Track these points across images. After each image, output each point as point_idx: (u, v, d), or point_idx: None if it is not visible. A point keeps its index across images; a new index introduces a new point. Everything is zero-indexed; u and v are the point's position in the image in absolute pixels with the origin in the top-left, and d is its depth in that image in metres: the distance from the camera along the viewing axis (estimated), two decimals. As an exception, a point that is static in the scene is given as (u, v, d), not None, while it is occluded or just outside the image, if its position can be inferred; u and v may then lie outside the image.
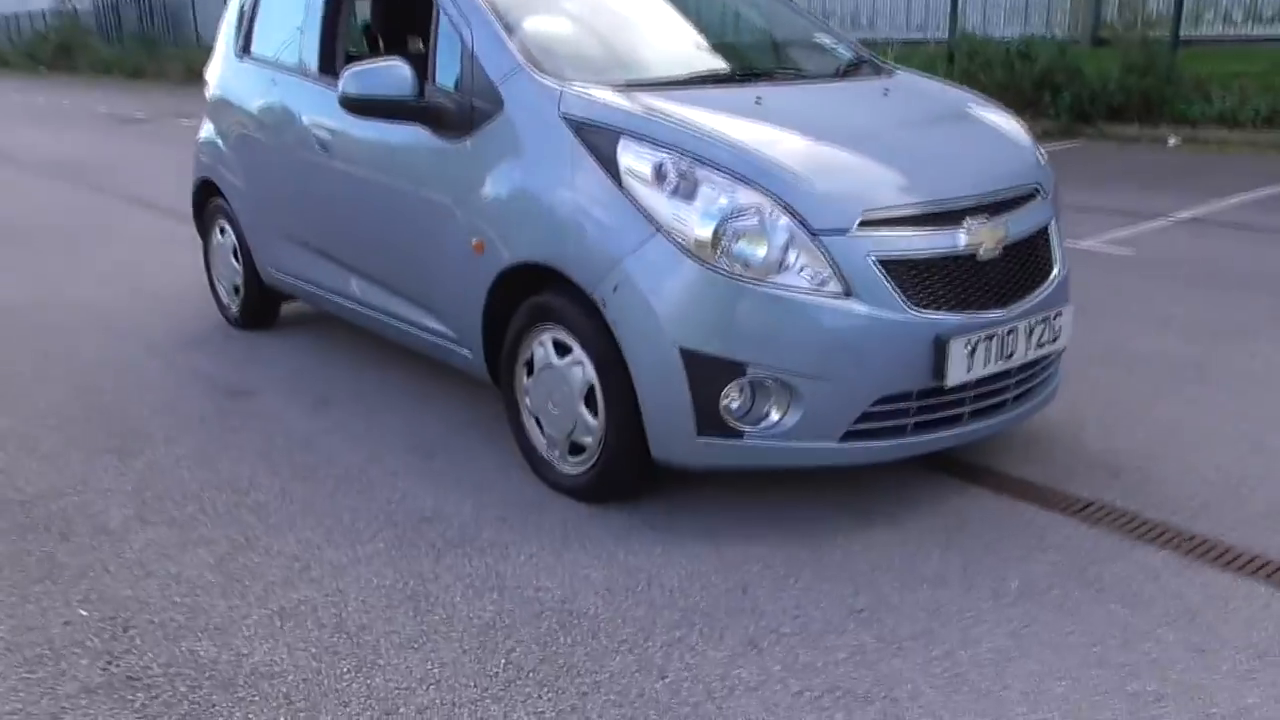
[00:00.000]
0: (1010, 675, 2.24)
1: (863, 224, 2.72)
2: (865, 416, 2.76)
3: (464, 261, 3.27)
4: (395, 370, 4.28)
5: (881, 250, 2.72)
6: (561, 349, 3.02)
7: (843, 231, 2.71)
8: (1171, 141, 10.43)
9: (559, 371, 3.01)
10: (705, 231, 2.68)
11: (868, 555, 2.75)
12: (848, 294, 2.68)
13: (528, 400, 3.18)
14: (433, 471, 3.32)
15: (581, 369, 2.95)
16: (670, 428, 2.77)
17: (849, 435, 2.77)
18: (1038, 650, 2.33)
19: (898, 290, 2.71)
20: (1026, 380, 3.08)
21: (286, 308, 4.98)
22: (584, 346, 2.92)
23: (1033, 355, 2.97)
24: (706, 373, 2.70)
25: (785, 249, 2.68)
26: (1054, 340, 3.04)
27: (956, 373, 2.76)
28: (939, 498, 3.08)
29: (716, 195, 2.70)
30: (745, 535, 2.87)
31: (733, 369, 2.69)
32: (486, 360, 3.34)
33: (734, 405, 2.75)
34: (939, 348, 2.73)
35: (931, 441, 2.86)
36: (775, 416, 2.75)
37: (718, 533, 2.88)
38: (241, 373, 4.32)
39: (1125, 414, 3.67)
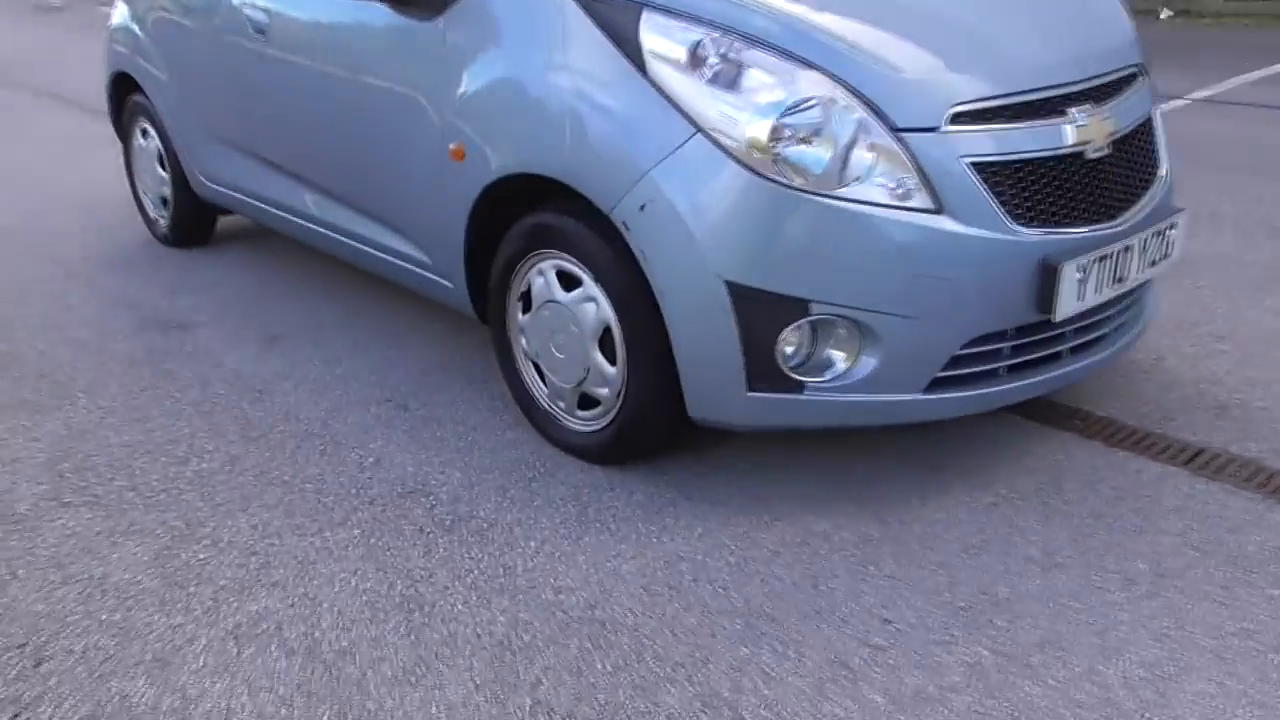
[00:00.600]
0: (1177, 702, 1.77)
1: (954, 118, 2.15)
2: (953, 360, 2.23)
3: (439, 172, 2.66)
4: (356, 298, 3.67)
5: (977, 152, 2.15)
6: (568, 281, 2.44)
7: (932, 128, 2.13)
8: (1163, 14, 9.81)
9: (565, 309, 2.44)
10: (760, 130, 2.09)
11: (954, 529, 2.26)
12: (938, 209, 2.12)
13: (523, 341, 2.62)
14: (410, 427, 2.76)
15: (595, 307, 2.38)
16: (713, 381, 2.23)
17: (933, 384, 2.24)
18: (1199, 661, 1.86)
19: (998, 203, 2.15)
20: (1128, 306, 2.57)
21: (224, 221, 4.32)
22: (598, 279, 2.35)
23: (1144, 276, 2.44)
24: (760, 312, 2.14)
25: (861, 151, 2.10)
26: (1166, 257, 2.51)
27: (1067, 304, 2.23)
28: (1018, 446, 2.58)
29: (772, 83, 2.11)
30: (800, 505, 2.36)
31: (793, 307, 2.14)
32: (470, 292, 2.76)
33: (793, 352, 2.21)
34: (1047, 274, 2.19)
35: (1028, 388, 2.34)
36: (843, 365, 2.21)
37: (767, 502, 2.37)
38: (174, 302, 3.69)
39: (1207, 334, 3.18)
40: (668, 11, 2.20)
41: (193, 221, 4.14)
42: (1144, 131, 2.55)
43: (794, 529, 2.27)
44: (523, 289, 2.58)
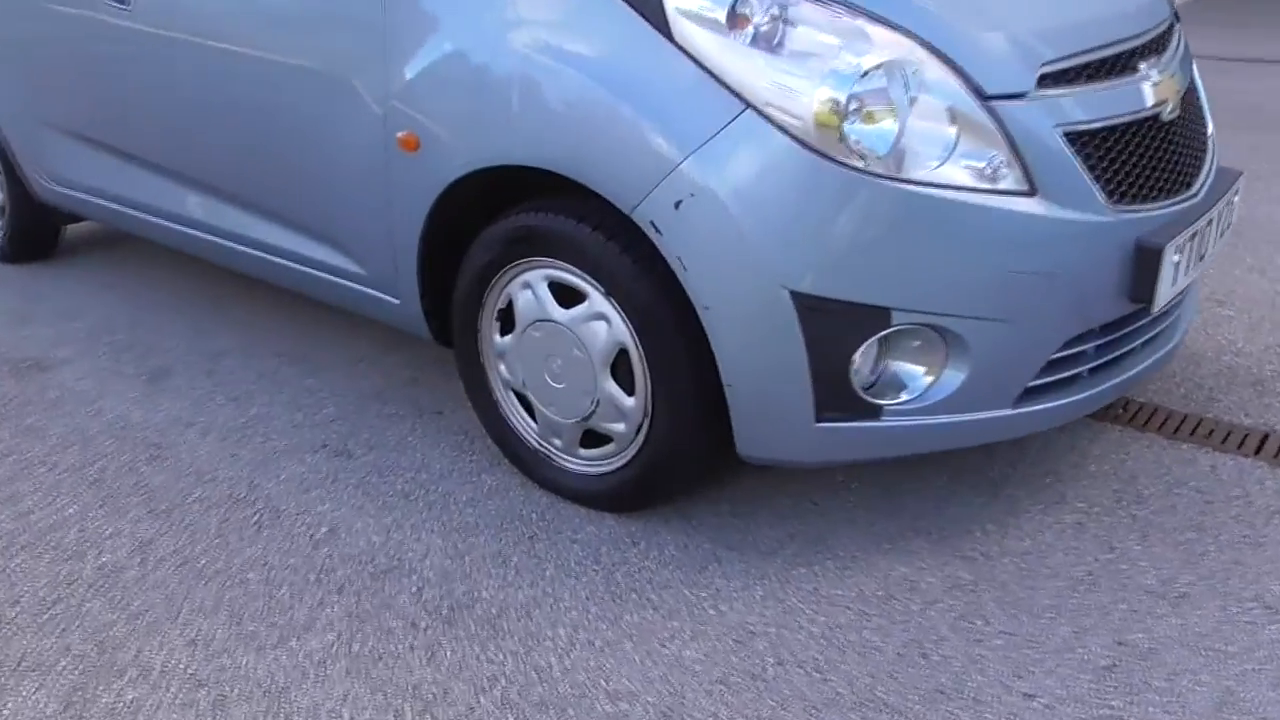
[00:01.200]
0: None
1: (1041, 81, 1.79)
2: (1044, 366, 1.90)
3: (380, 167, 2.14)
4: (254, 315, 3.09)
5: (1069, 120, 1.80)
6: (564, 294, 1.99)
7: (1021, 94, 1.77)
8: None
9: (564, 330, 1.99)
10: (827, 103, 1.68)
11: (1049, 560, 1.93)
12: (1031, 190, 1.76)
13: (503, 368, 2.15)
14: (360, 480, 2.26)
15: (605, 327, 1.93)
16: (772, 412, 1.82)
17: (1023, 396, 1.90)
18: (1398, 713, 1.58)
19: (1091, 178, 1.81)
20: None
21: (72, 229, 3.63)
22: (611, 293, 1.90)
23: (1215, 250, 2.16)
24: (832, 327, 1.75)
25: (944, 126, 1.72)
26: (1230, 226, 2.24)
27: (1165, 290, 1.91)
28: (1071, 447, 2.28)
29: (838, 45, 1.70)
30: (864, 545, 1.99)
31: (872, 318, 1.75)
32: (426, 310, 2.26)
33: (869, 371, 1.83)
34: (1146, 258, 1.87)
35: (1112, 390, 2.01)
36: (925, 382, 1.84)
37: (825, 545, 1.99)
38: (25, 335, 3.03)
39: (1204, 298, 2.97)
40: (695, -39, 1.75)
41: (33, 232, 3.45)
42: (1194, 88, 2.26)
43: (870, 578, 1.90)
44: (500, 305, 2.11)
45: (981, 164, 1.74)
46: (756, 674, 1.69)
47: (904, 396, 1.84)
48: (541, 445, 2.16)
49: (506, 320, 2.11)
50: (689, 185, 1.72)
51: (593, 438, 2.07)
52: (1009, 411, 1.88)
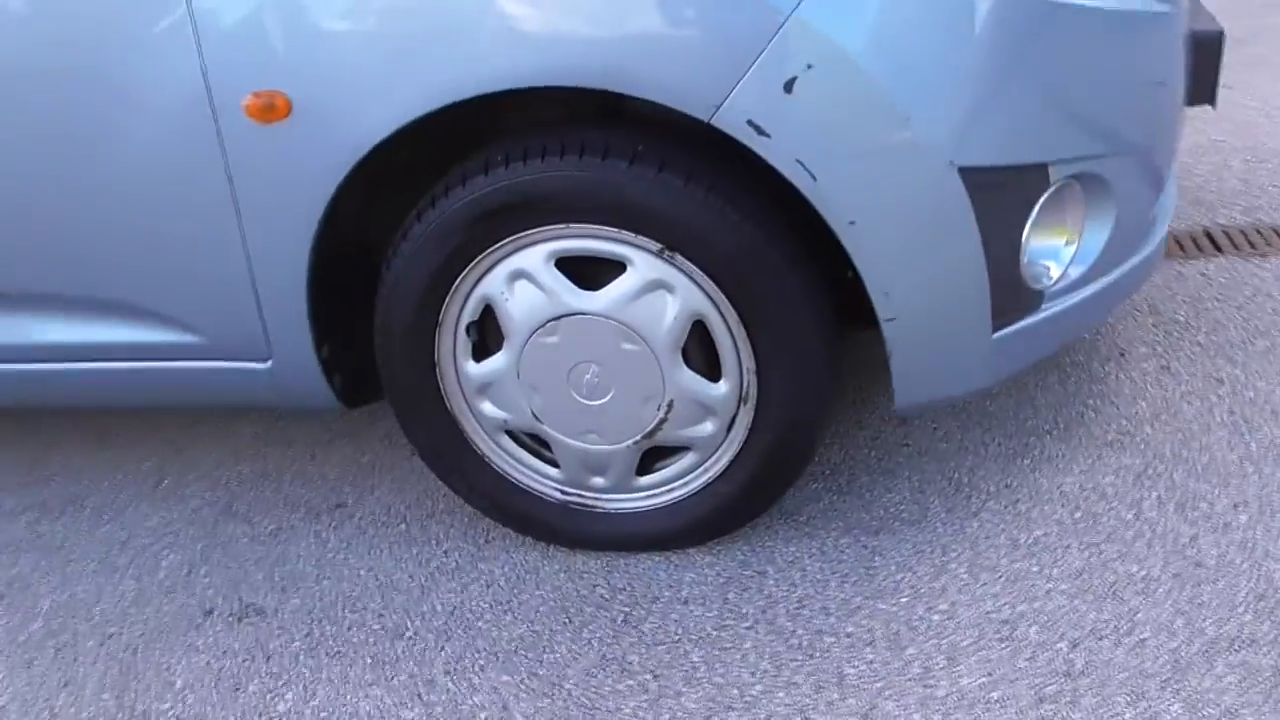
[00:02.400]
0: None
1: None
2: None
3: (212, 160, 1.36)
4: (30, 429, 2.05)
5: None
6: (579, 271, 1.37)
7: None
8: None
9: (598, 323, 1.37)
10: (966, -100, 1.22)
11: (1199, 596, 1.66)
12: (1144, -20, 1.43)
13: (487, 407, 1.48)
14: (309, 649, 1.49)
15: (669, 297, 1.35)
16: (946, 338, 1.35)
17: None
18: None
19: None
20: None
21: None
22: (676, 247, 1.32)
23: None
24: (1002, 205, 1.31)
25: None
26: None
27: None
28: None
29: None
30: (941, 551, 1.61)
31: (1035, 182, 1.34)
32: (328, 360, 1.52)
33: (1036, 249, 1.42)
34: (1207, 50, 1.62)
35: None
36: (1069, 250, 1.46)
37: (913, 568, 1.58)
38: None
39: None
40: None
41: None
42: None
43: (1062, 507, 1.52)
44: (470, 317, 1.43)
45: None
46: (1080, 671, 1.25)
47: (1056, 274, 1.45)
48: (570, 495, 1.53)
49: (485, 336, 1.45)
50: (804, 51, 1.19)
51: (654, 459, 1.49)
52: (1143, 255, 1.57)
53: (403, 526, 1.68)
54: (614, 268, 1.37)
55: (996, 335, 1.38)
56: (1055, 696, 1.23)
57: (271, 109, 1.31)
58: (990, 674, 1.27)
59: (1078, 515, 1.50)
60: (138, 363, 1.57)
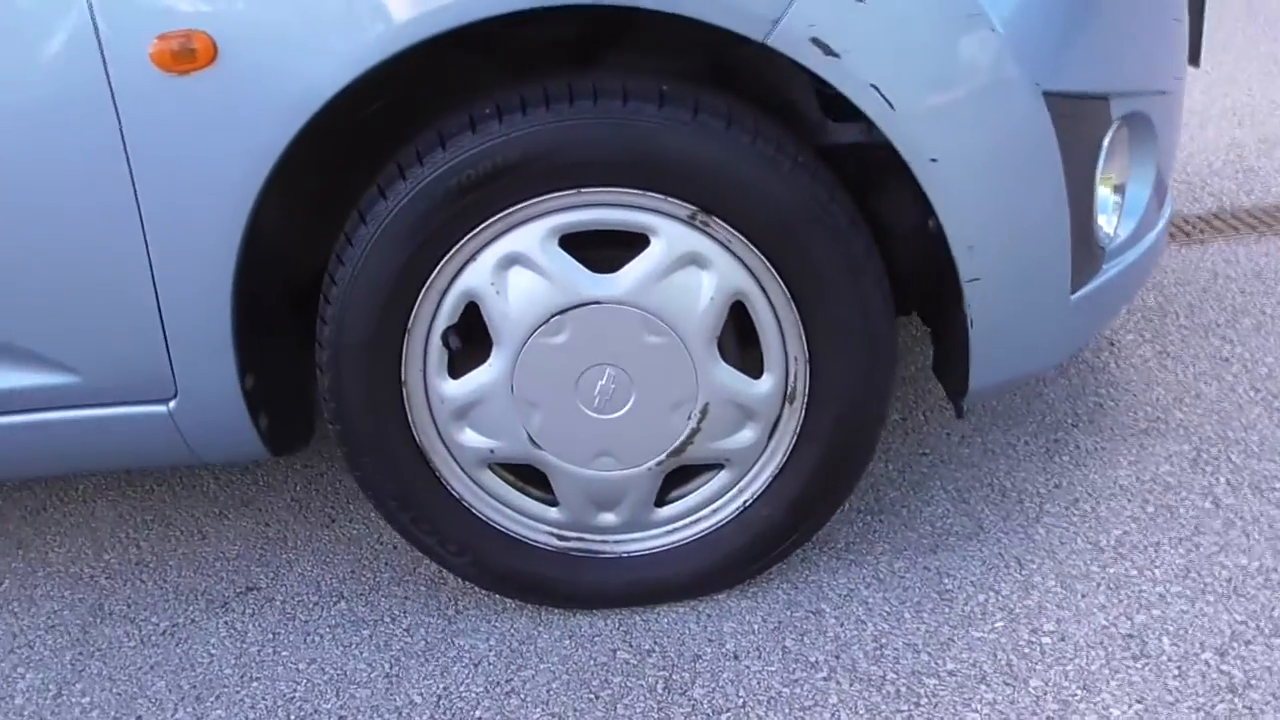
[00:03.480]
0: None
1: None
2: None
3: (103, 123, 1.02)
4: None
5: None
6: (583, 248, 1.10)
7: None
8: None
9: (616, 312, 1.10)
10: None
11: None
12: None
13: (467, 435, 1.17)
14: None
15: (703, 274, 1.09)
16: (1029, 301, 1.14)
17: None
18: None
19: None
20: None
21: None
22: (713, 210, 1.07)
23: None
24: (1078, 139, 1.13)
25: None
26: None
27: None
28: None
29: None
30: (1018, 564, 1.41)
31: (1100, 114, 1.17)
32: (252, 393, 1.17)
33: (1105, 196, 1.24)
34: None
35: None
36: (1115, 198, 1.30)
37: (994, 587, 1.38)
38: None
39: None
40: None
41: None
42: None
43: (1134, 502, 1.33)
44: (446, 319, 1.13)
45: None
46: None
47: (1109, 227, 1.28)
48: (571, 539, 1.23)
49: (465, 343, 1.14)
50: (878, -48, 0.98)
51: (666, 484, 1.21)
52: (1169, 215, 1.42)
53: (342, 605, 1.33)
54: (626, 245, 1.10)
55: (1075, 297, 1.19)
56: (1230, 716, 1.02)
57: (189, 55, 0.98)
58: (1141, 700, 1.05)
59: (1150, 510, 1.32)
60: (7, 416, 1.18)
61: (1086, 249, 1.19)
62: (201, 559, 1.46)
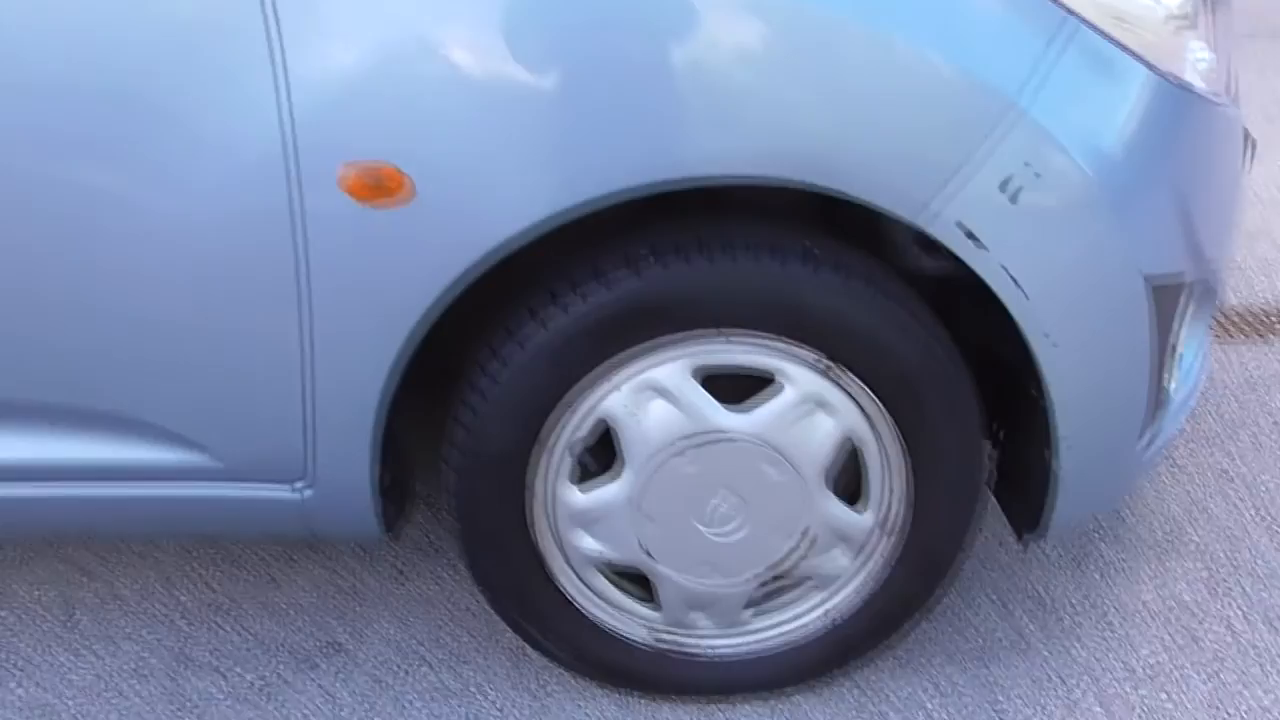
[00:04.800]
0: None
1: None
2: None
3: (286, 245, 1.07)
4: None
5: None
6: (713, 384, 1.18)
7: None
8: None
9: (741, 445, 1.18)
10: (1180, 15, 1.16)
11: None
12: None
13: (586, 542, 1.25)
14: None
15: (824, 417, 1.18)
16: (1107, 448, 1.25)
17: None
18: None
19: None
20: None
21: None
22: (841, 358, 1.16)
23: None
24: (1163, 313, 1.24)
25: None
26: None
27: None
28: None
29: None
30: (1061, 682, 1.54)
31: (1178, 288, 1.28)
32: (388, 487, 1.23)
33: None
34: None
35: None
36: (1176, 359, 1.42)
37: (1043, 705, 1.50)
38: None
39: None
40: None
41: None
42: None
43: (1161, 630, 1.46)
44: (580, 437, 1.20)
45: (1204, 68, 1.34)
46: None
47: (1172, 383, 1.40)
48: (666, 639, 1.31)
49: (596, 459, 1.22)
50: (1024, 151, 1.07)
51: (771, 594, 1.31)
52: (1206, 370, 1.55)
53: (427, 672, 1.40)
54: (750, 381, 1.19)
55: (1140, 441, 1.30)
56: None
57: (380, 187, 1.03)
58: (1183, 830, 1.18)
59: (1176, 634, 1.45)
60: (119, 485, 1.22)
61: (1155, 404, 1.31)
62: (277, 607, 1.51)
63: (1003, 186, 1.07)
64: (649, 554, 1.24)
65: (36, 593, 1.54)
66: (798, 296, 1.13)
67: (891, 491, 1.24)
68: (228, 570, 1.58)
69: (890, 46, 1.02)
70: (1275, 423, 1.87)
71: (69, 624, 1.49)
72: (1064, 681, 1.38)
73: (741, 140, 1.04)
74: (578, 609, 1.29)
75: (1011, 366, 1.21)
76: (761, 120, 1.03)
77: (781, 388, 1.17)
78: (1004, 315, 1.13)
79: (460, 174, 1.03)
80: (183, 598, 1.53)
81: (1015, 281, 1.10)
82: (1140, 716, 1.33)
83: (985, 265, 1.10)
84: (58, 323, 1.11)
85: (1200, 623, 1.47)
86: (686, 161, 1.04)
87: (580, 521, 1.23)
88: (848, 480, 1.25)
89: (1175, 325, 1.29)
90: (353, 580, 1.56)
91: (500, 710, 1.34)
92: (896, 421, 1.19)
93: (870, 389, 1.17)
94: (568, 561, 1.27)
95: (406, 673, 1.40)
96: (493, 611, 1.30)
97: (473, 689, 1.37)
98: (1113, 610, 1.50)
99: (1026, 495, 1.30)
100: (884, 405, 1.18)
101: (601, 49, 1.02)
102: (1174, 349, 1.36)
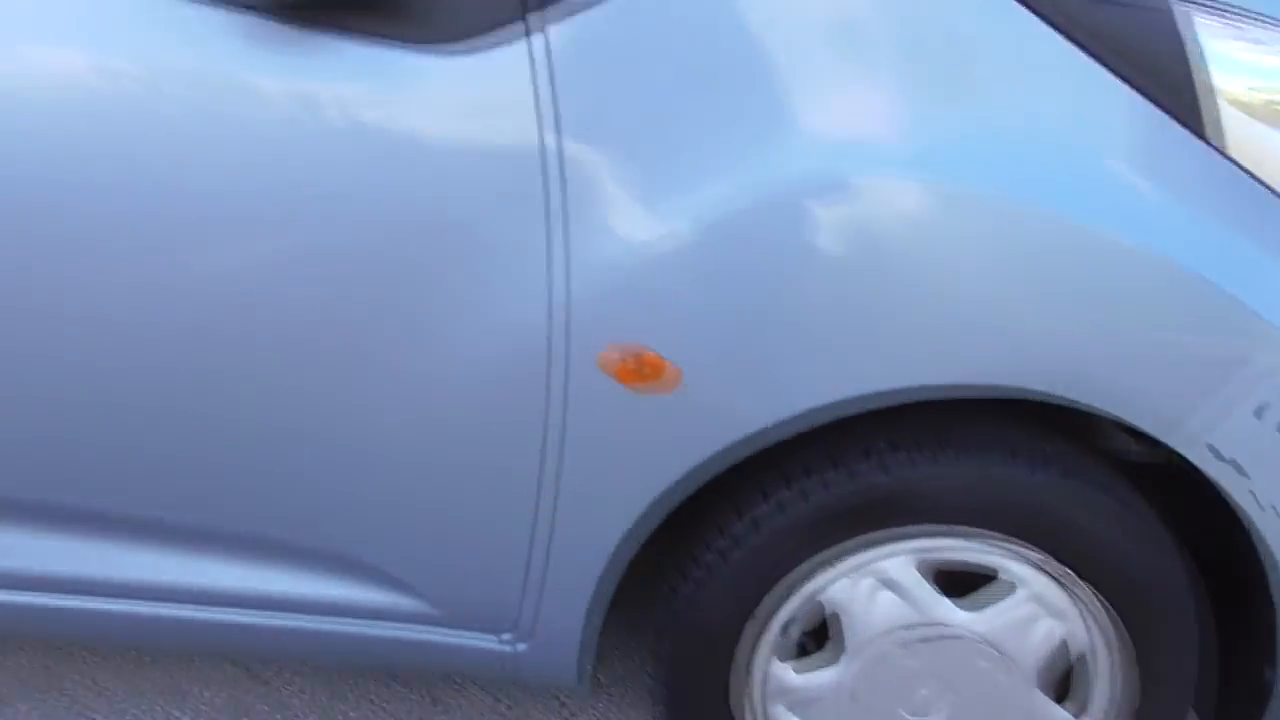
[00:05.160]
0: None
1: None
2: None
3: (538, 416, 1.09)
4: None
5: None
6: (944, 580, 1.18)
7: None
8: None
9: (958, 639, 1.17)
10: None
11: None
12: None
13: (780, 712, 1.24)
14: None
15: (1047, 622, 1.17)
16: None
17: None
18: None
19: None
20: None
21: None
22: (1072, 564, 1.14)
23: None
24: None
25: None
26: None
27: None
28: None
29: None
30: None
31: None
32: (596, 647, 1.24)
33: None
34: None
35: None
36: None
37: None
38: None
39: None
40: (1251, 18, 1.06)
41: None
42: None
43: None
44: (796, 619, 1.20)
45: None
46: None
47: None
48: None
49: (810, 640, 1.21)
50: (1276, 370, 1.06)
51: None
52: None
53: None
54: (970, 580, 1.18)
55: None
56: None
57: (647, 371, 1.05)
58: None
59: None
60: (341, 624, 1.24)
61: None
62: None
63: (1259, 413, 1.06)
64: (855, 739, 1.23)
65: (208, 694, 1.57)
66: (1029, 498, 1.12)
67: (1112, 699, 1.21)
68: (393, 688, 1.59)
69: (1170, 274, 1.02)
70: None
71: (242, 731, 1.51)
72: None
73: (1001, 353, 1.04)
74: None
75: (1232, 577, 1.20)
76: (1025, 333, 1.03)
77: (1012, 587, 1.16)
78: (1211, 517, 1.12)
79: (727, 365, 1.05)
80: (352, 714, 1.54)
81: (1256, 500, 1.08)
82: None
83: (1239, 489, 1.08)
84: (315, 462, 1.13)
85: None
86: (948, 370, 1.04)
87: (788, 701, 1.23)
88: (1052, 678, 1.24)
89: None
90: (517, 711, 1.56)
91: None
92: (1131, 635, 1.17)
93: (1105, 599, 1.16)
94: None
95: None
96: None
97: None
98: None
99: (1229, 711, 1.27)
100: (1121, 617, 1.16)
101: (866, 255, 1.03)
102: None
